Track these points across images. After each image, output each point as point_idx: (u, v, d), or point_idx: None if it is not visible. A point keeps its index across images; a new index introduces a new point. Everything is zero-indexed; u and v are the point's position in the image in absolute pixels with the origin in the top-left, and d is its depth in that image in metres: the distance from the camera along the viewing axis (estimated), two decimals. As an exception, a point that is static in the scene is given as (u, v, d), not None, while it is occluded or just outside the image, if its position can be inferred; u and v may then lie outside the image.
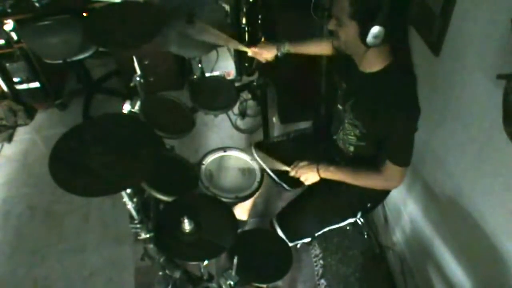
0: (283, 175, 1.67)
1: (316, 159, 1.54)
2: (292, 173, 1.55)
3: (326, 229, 1.61)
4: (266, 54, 1.70)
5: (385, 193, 1.65)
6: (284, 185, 1.69)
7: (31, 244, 2.30)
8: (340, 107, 1.51)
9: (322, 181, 1.53)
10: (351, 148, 1.52)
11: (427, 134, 1.40)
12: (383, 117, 1.30)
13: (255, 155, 1.61)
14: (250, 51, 1.71)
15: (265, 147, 1.70)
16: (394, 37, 1.25)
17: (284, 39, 1.71)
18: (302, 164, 1.53)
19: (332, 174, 1.49)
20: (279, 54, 1.70)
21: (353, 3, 1.19)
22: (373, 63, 1.32)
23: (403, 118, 1.28)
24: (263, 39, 1.80)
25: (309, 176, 1.51)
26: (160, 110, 1.74)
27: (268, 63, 1.75)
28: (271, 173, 1.66)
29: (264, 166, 1.61)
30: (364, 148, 1.48)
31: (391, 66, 1.30)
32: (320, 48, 1.71)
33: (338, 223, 1.62)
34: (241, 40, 2.70)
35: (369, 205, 1.63)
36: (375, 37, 1.18)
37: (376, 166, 1.41)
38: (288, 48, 1.70)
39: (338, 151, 1.60)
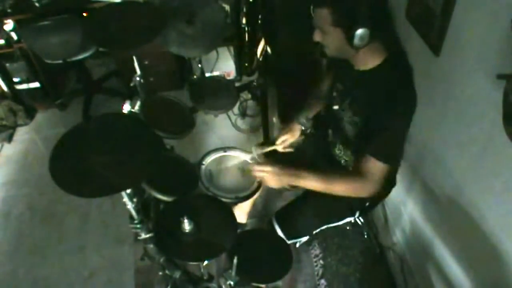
0: None
1: (310, 161, 1.52)
2: (256, 168, 1.39)
3: (324, 227, 1.62)
4: (294, 135, 1.66)
5: (383, 194, 1.65)
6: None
7: (31, 244, 2.30)
8: (336, 107, 1.51)
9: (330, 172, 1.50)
10: (351, 148, 1.52)
11: (427, 133, 1.40)
12: (380, 111, 1.29)
13: (255, 156, 1.62)
14: (278, 147, 1.66)
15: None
16: (381, 34, 1.26)
17: (300, 114, 1.66)
18: (276, 167, 1.37)
19: (304, 180, 1.35)
20: (304, 126, 1.66)
21: (333, 12, 1.21)
22: (368, 61, 1.33)
23: (399, 112, 1.28)
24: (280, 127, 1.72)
25: (273, 180, 1.37)
26: (160, 110, 1.74)
27: (267, 62, 1.75)
28: None
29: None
30: None
31: (386, 61, 1.32)
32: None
33: (336, 222, 1.62)
34: (241, 40, 2.71)
35: (367, 204, 1.63)
36: (362, 38, 1.21)
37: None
38: (307, 115, 1.66)
39: (338, 152, 1.60)
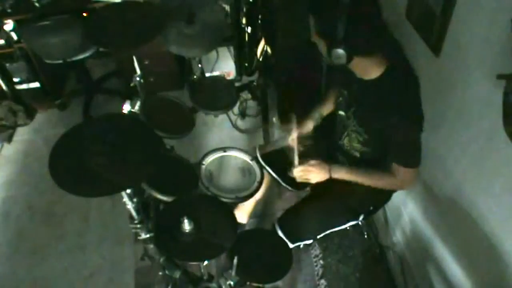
0: (287, 177, 1.67)
1: (324, 160, 1.52)
2: (298, 171, 1.49)
3: (328, 231, 1.61)
4: (306, 131, 1.67)
5: (388, 196, 1.65)
6: (288, 187, 1.68)
7: (31, 244, 2.30)
8: (342, 113, 1.50)
9: (325, 184, 1.52)
10: (356, 154, 1.52)
11: (427, 134, 1.40)
12: (386, 124, 1.30)
13: (260, 158, 1.61)
14: (291, 140, 1.65)
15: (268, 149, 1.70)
16: (372, 48, 1.24)
17: (315, 110, 1.69)
18: (313, 162, 1.48)
19: (345, 174, 1.47)
20: (317, 123, 1.68)
21: (316, 23, 1.21)
22: (368, 71, 1.31)
23: (406, 124, 1.28)
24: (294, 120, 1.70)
25: (319, 175, 1.47)
26: (160, 110, 1.74)
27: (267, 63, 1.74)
28: (275, 175, 1.66)
29: (268, 168, 1.61)
30: (369, 154, 1.48)
31: (389, 71, 1.29)
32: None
33: (340, 225, 1.62)
34: (241, 40, 2.71)
35: (371, 208, 1.63)
36: (338, 57, 1.19)
37: (386, 168, 1.40)
38: (321, 112, 1.69)
39: (343, 155, 1.59)
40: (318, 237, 1.61)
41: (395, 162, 1.35)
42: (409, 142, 1.32)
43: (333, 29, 1.15)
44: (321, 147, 1.73)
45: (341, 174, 1.47)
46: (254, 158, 1.60)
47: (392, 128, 1.29)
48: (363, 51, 1.23)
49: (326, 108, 1.70)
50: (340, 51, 1.17)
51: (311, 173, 1.48)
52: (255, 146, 1.72)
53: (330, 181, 1.51)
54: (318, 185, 1.53)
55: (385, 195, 1.63)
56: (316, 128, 1.69)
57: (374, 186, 1.45)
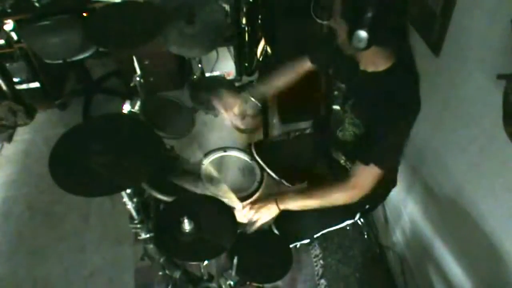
0: (282, 172, 1.67)
1: (309, 162, 1.50)
2: (246, 217, 1.43)
3: (325, 231, 1.61)
4: (230, 105, 1.59)
5: (384, 194, 1.65)
6: (284, 182, 1.69)
7: (31, 244, 2.30)
8: (337, 107, 1.51)
9: (320, 182, 1.52)
10: (350, 149, 1.52)
11: (427, 134, 1.40)
12: (382, 118, 1.29)
13: (255, 154, 1.62)
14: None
15: (265, 147, 1.70)
16: (390, 40, 1.25)
17: (245, 91, 1.61)
18: (257, 204, 1.43)
19: (290, 200, 1.40)
20: (248, 105, 1.61)
21: (343, 2, 1.20)
22: (375, 63, 1.31)
23: (400, 122, 1.28)
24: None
25: (268, 212, 1.41)
26: (160, 110, 1.74)
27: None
28: (270, 172, 1.66)
29: (262, 163, 1.61)
30: None
31: (394, 66, 1.29)
32: (296, 70, 1.64)
33: (336, 225, 1.62)
34: (241, 40, 2.71)
35: (367, 206, 1.63)
36: (359, 41, 1.18)
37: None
38: (250, 92, 1.61)
39: (338, 152, 1.60)
40: (315, 236, 1.62)
41: (362, 161, 1.31)
42: (389, 144, 1.31)
43: (360, 12, 1.14)
44: (317, 143, 1.74)
45: (287, 201, 1.40)
46: (253, 157, 1.60)
47: (381, 127, 1.28)
48: (383, 41, 1.22)
49: (263, 90, 1.65)
50: (364, 33, 1.15)
51: (258, 213, 1.42)
52: (251, 143, 1.72)
53: (326, 179, 1.52)
54: (313, 183, 1.53)
55: (381, 193, 1.63)
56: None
57: (328, 203, 1.38)
